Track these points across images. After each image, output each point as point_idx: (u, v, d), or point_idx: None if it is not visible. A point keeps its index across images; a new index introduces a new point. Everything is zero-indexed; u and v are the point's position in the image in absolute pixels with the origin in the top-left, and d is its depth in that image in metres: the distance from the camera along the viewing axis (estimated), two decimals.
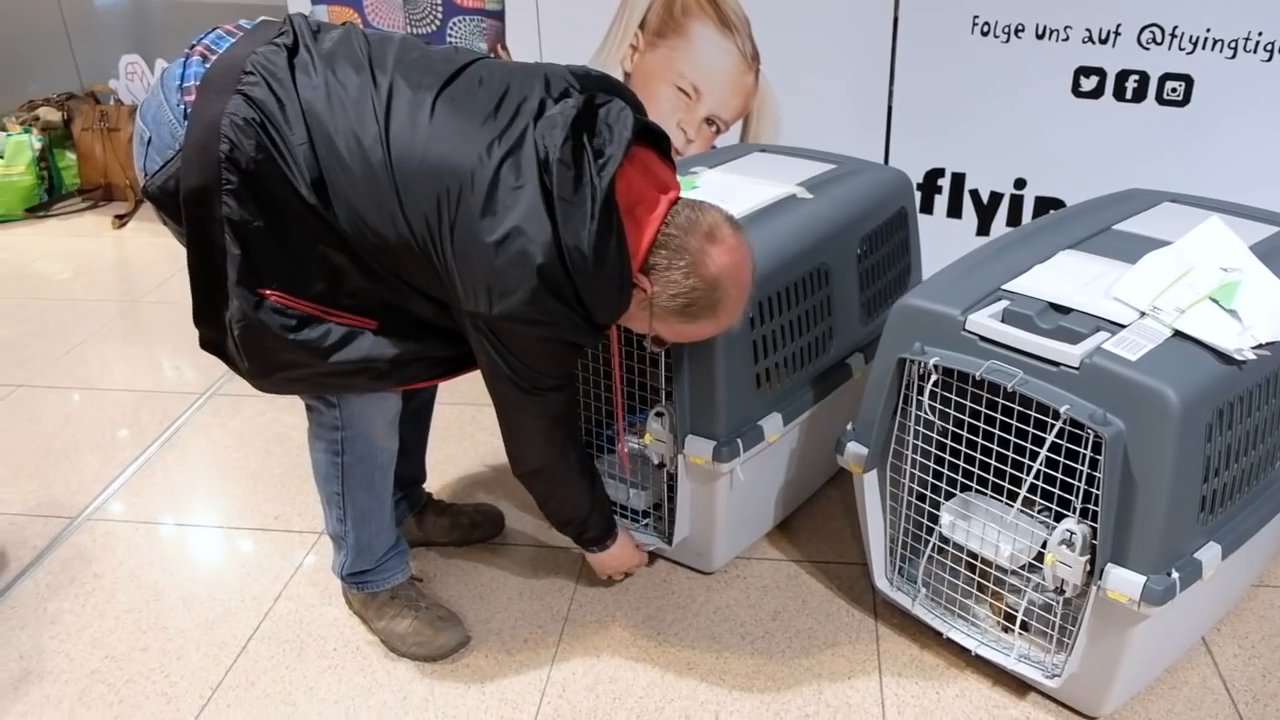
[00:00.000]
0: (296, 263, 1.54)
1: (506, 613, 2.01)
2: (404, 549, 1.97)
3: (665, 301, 1.57)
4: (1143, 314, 1.59)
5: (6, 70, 4.40)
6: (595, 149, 1.46)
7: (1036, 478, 1.60)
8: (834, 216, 2.05)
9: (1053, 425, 1.54)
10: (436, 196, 1.45)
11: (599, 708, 1.79)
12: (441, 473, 2.43)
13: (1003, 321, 1.62)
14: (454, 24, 3.27)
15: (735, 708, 1.78)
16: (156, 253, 3.78)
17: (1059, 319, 1.60)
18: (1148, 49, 2.46)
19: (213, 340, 1.62)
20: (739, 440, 1.87)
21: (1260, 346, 1.54)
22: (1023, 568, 1.71)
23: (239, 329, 1.54)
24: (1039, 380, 1.56)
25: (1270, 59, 2.38)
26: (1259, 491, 1.66)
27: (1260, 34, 2.37)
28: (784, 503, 2.17)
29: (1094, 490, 1.54)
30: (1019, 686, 1.80)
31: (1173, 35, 2.42)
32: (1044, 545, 1.63)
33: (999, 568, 1.73)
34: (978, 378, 1.60)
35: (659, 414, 1.91)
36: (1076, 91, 2.58)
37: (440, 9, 3.25)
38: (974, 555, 1.76)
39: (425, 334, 1.65)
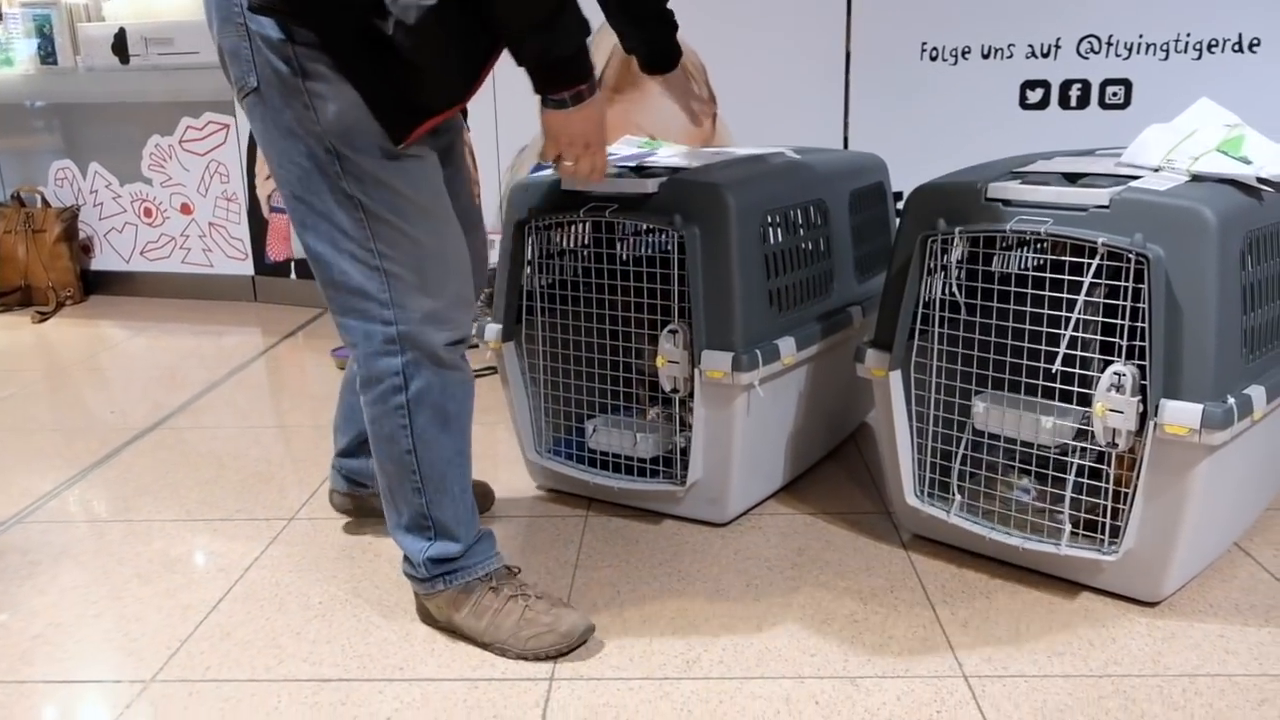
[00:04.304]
0: None
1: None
2: (491, 532, 1.64)
3: None
4: (1157, 169, 1.64)
5: None
6: None
7: (1077, 328, 1.58)
8: (824, 167, 2.11)
9: (1089, 265, 1.54)
10: None
11: (627, 629, 1.62)
12: None
13: (1024, 184, 1.64)
14: None
15: (777, 619, 1.63)
16: (82, 340, 3.59)
17: (1075, 184, 1.62)
18: (1087, 58, 2.66)
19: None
20: (758, 352, 1.81)
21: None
22: (1063, 451, 1.65)
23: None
24: (1069, 227, 1.57)
25: (1200, 57, 2.59)
26: None
27: (1189, 34, 2.59)
28: (793, 457, 2.08)
29: (1138, 324, 1.52)
30: (1071, 588, 1.70)
31: (1109, 43, 2.63)
32: (1087, 404, 1.59)
33: (1040, 453, 1.67)
34: (1007, 232, 1.60)
35: (672, 331, 1.85)
36: (1024, 104, 2.75)
37: None
38: (1011, 442, 1.70)
39: None
